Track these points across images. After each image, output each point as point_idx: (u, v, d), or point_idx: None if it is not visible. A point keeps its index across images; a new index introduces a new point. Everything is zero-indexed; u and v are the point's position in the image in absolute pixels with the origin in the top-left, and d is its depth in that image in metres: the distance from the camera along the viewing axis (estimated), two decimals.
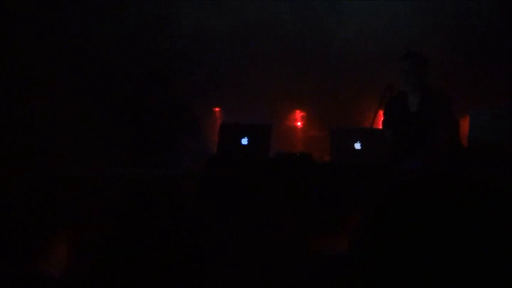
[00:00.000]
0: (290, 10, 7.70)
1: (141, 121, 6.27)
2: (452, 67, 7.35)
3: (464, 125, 5.96)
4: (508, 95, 6.72)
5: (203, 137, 6.44)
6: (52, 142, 6.64)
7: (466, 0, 7.42)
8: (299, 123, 7.72)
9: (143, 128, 6.27)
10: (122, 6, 7.54)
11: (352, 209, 4.92)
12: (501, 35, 7.27)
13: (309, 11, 7.70)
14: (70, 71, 7.28)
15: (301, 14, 7.71)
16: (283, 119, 7.64)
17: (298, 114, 7.72)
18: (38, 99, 7.01)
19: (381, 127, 6.26)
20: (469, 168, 5.13)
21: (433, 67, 6.18)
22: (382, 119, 6.20)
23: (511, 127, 5.32)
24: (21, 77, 7.12)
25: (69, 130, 7.01)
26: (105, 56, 7.37)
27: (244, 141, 5.56)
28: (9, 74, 7.09)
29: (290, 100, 7.62)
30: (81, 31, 7.37)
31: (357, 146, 5.49)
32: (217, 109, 7.55)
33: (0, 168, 5.71)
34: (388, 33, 7.52)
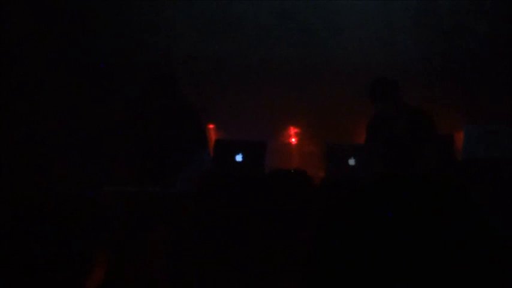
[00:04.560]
0: (284, 28, 7.73)
1: (149, 132, 6.22)
2: (448, 82, 7.39)
3: (459, 140, 5.97)
4: (502, 111, 6.75)
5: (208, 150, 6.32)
6: (52, 159, 6.64)
7: (463, 18, 7.48)
8: (293, 140, 7.73)
9: (152, 140, 6.22)
10: (121, 23, 7.58)
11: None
12: (498, 52, 7.31)
13: (303, 28, 7.73)
14: (67, 91, 7.29)
15: (295, 31, 7.74)
16: (277, 135, 7.64)
17: (293, 130, 7.73)
18: (35, 120, 7.02)
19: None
20: (462, 183, 5.13)
21: (430, 82, 6.18)
22: (365, 137, 6.14)
23: (505, 143, 5.34)
24: (20, 91, 7.13)
25: (68, 146, 7.02)
26: (104, 73, 7.41)
27: (239, 157, 5.57)
28: (9, 87, 7.10)
29: (284, 116, 7.63)
30: (80, 51, 7.40)
31: (352, 162, 5.50)
32: (211, 126, 7.55)
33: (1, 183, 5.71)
34: (382, 49, 7.55)
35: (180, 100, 6.24)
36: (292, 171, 5.89)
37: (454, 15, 7.54)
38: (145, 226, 5.37)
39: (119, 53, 7.52)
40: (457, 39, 7.50)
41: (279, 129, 7.68)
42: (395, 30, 7.60)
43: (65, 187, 5.48)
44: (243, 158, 5.56)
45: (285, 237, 5.14)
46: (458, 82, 7.42)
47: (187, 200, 5.52)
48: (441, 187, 1.18)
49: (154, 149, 6.19)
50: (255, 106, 7.52)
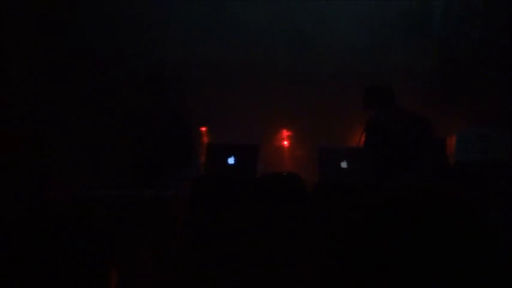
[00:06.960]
0: (276, 31, 7.74)
1: (141, 138, 6.22)
2: (440, 87, 7.41)
3: (451, 144, 5.99)
4: (494, 115, 6.77)
5: (198, 159, 6.34)
6: (43, 165, 6.62)
7: (456, 23, 7.51)
8: (286, 143, 7.73)
9: (143, 146, 6.21)
10: (116, 26, 7.58)
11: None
12: (490, 57, 7.34)
13: (295, 32, 7.74)
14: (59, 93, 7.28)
15: (287, 35, 7.74)
16: (269, 138, 7.64)
17: (285, 133, 7.73)
18: (31, 123, 7.01)
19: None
20: (456, 188, 5.15)
21: (421, 87, 6.19)
22: (363, 141, 6.18)
23: (497, 147, 5.36)
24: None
25: (63, 150, 7.01)
26: (98, 76, 7.41)
27: (231, 161, 5.56)
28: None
29: (276, 120, 7.63)
30: (75, 54, 7.40)
31: (344, 165, 5.50)
32: (203, 129, 7.54)
33: None
34: (375, 53, 7.56)
35: (169, 104, 6.27)
36: (285, 174, 5.89)
37: (447, 20, 7.57)
38: (138, 230, 5.36)
39: (114, 56, 7.51)
40: (449, 44, 7.52)
41: (272, 132, 7.68)
42: (388, 34, 7.61)
43: (58, 191, 5.47)
44: (235, 161, 5.55)
45: (277, 241, 5.14)
46: (450, 87, 7.44)
47: (180, 204, 5.52)
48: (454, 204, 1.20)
49: (146, 153, 6.18)
50: (247, 109, 7.52)
